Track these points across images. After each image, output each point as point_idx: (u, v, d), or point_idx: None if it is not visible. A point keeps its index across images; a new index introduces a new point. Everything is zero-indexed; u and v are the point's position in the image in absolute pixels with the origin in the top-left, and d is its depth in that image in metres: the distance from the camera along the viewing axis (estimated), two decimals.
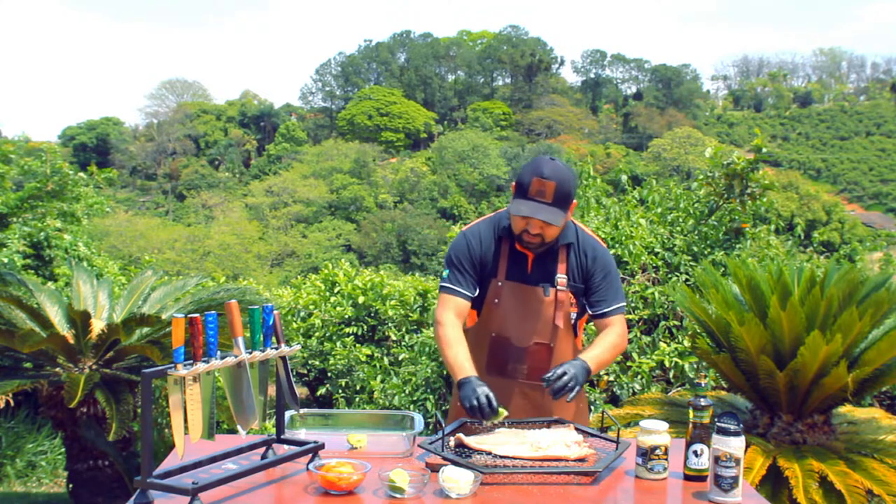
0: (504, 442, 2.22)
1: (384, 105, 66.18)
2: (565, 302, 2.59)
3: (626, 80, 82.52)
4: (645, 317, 5.79)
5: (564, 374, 2.34)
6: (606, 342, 2.55)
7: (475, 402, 2.25)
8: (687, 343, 5.04)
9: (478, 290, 2.62)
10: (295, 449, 2.12)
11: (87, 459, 5.00)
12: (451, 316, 2.55)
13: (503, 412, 2.29)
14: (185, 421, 1.86)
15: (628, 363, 5.46)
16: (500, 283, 2.59)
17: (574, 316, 2.64)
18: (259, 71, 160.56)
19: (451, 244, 2.66)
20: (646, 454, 2.09)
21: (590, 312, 2.66)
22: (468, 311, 2.61)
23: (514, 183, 2.53)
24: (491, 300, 2.60)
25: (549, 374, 2.35)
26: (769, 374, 3.29)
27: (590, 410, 5.20)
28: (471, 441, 2.22)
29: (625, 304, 2.68)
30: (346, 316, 7.19)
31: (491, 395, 2.27)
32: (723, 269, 5.60)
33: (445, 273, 2.61)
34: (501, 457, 2.14)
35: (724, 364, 3.46)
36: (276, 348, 2.11)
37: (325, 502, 1.92)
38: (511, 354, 2.59)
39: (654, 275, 6.06)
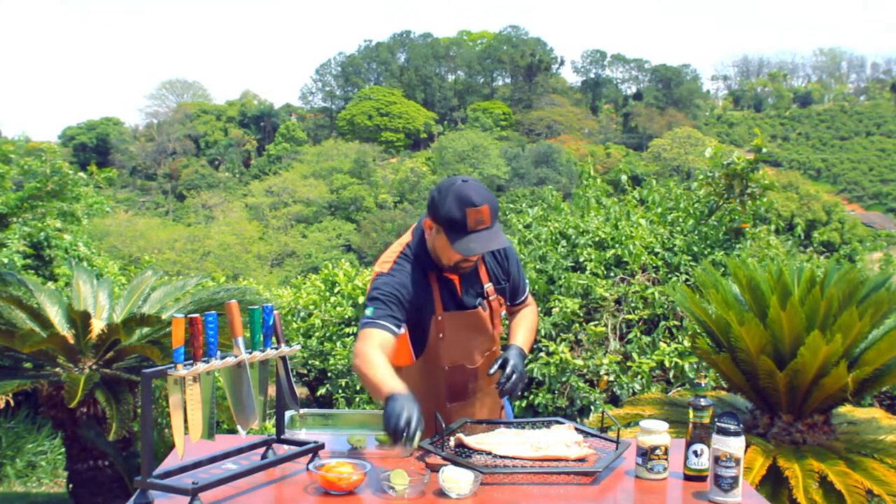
0: (504, 442, 2.22)
1: (384, 105, 66.20)
2: (497, 307, 2.62)
3: (626, 80, 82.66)
4: (645, 317, 5.79)
5: (513, 373, 2.42)
6: (530, 324, 2.70)
7: (400, 425, 1.95)
8: (687, 343, 5.05)
9: (405, 330, 2.43)
10: (295, 449, 2.12)
11: (87, 459, 5.00)
12: (372, 346, 2.28)
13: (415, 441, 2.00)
14: (185, 421, 1.86)
15: (628, 363, 5.46)
16: (440, 318, 2.48)
17: (504, 314, 2.72)
18: (259, 71, 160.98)
19: (374, 284, 2.44)
20: (646, 454, 2.09)
21: (508, 304, 2.71)
22: (393, 349, 2.36)
23: (427, 220, 2.40)
24: (435, 336, 2.49)
25: (500, 379, 2.41)
26: (769, 374, 3.29)
27: (590, 410, 5.22)
28: (471, 441, 2.22)
29: (527, 282, 2.81)
30: (346, 316, 7.18)
31: (415, 422, 1.97)
32: (723, 269, 5.60)
33: (370, 310, 2.36)
34: (501, 457, 2.14)
35: (724, 364, 3.46)
36: (276, 348, 2.10)
37: (325, 502, 1.92)
38: (468, 377, 2.57)
39: (654, 275, 6.06)
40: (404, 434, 1.95)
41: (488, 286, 2.56)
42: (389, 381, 2.13)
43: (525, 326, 2.67)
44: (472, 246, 2.29)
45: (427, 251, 2.47)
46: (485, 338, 2.59)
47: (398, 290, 2.40)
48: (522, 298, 2.73)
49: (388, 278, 2.43)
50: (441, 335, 2.50)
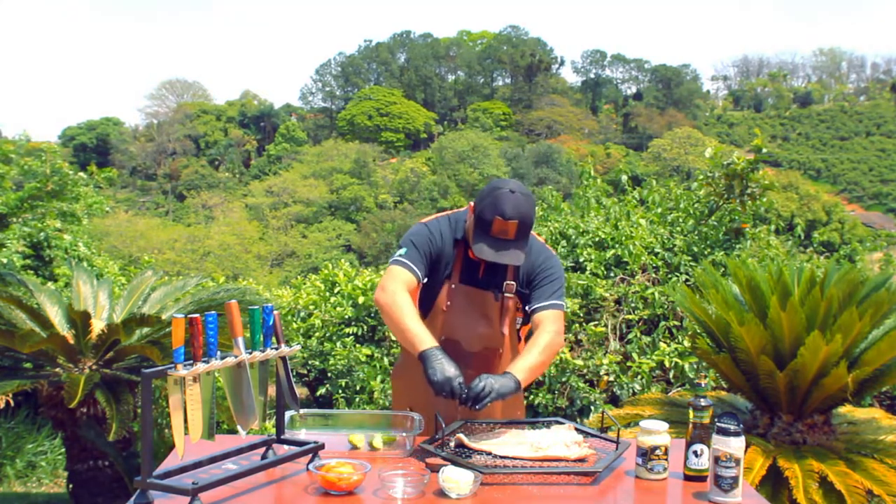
0: (504, 442, 2.22)
1: (384, 105, 66.22)
2: (512, 308, 2.60)
3: (626, 80, 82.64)
4: (645, 317, 5.79)
5: (484, 387, 2.23)
6: (536, 345, 2.44)
7: (448, 391, 2.20)
8: (687, 343, 5.05)
9: (426, 280, 2.57)
10: (295, 449, 2.12)
11: (87, 459, 5.00)
12: (402, 286, 2.45)
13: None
14: (185, 421, 1.86)
15: (628, 363, 5.46)
16: (453, 286, 2.57)
17: (519, 322, 2.66)
18: (259, 71, 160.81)
19: (410, 231, 2.61)
20: (646, 454, 2.09)
21: (527, 309, 2.60)
22: (415, 293, 2.54)
23: (471, 204, 2.52)
24: (442, 303, 2.58)
25: (470, 388, 2.23)
26: (769, 374, 3.29)
27: (590, 410, 5.22)
28: (471, 441, 2.22)
29: (563, 304, 2.59)
30: (346, 316, 7.18)
31: (462, 381, 2.22)
32: (723, 269, 5.60)
33: (403, 251, 2.53)
34: (501, 457, 2.14)
35: (724, 364, 3.46)
36: (276, 348, 2.10)
37: (325, 502, 1.92)
38: (460, 359, 2.41)
39: (654, 275, 6.06)
40: (451, 391, 2.20)
41: (509, 283, 2.59)
42: (423, 336, 2.33)
43: (531, 350, 2.43)
44: (484, 249, 2.41)
45: (465, 229, 2.60)
46: (488, 327, 2.59)
47: (431, 242, 2.55)
48: (536, 306, 2.54)
49: (425, 230, 2.59)
50: (448, 303, 2.56)
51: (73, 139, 62.81)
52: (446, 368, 2.23)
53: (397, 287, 2.44)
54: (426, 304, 2.62)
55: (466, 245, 2.58)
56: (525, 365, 2.38)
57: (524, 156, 55.35)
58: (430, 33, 79.92)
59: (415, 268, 2.50)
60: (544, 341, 2.45)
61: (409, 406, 2.62)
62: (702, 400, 2.08)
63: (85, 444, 4.93)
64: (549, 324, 2.50)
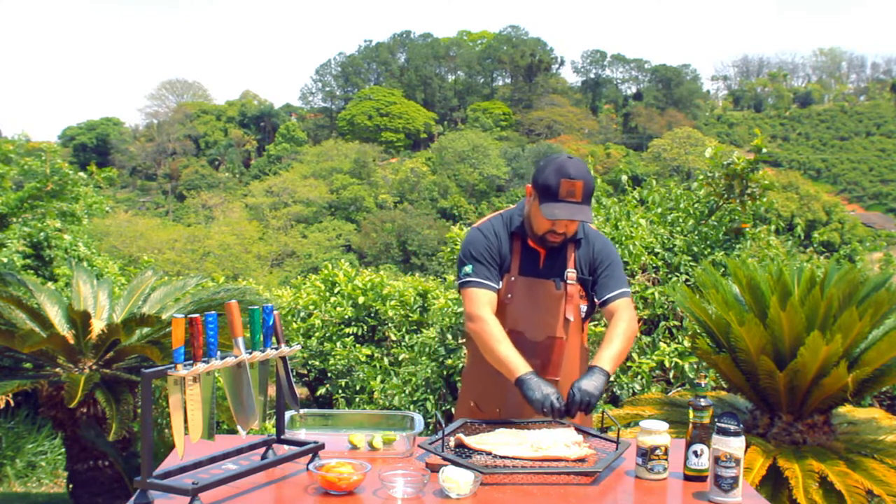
0: (504, 442, 2.22)
1: (384, 105, 66.23)
2: (575, 295, 2.64)
3: (626, 80, 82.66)
4: (645, 317, 5.78)
5: (580, 399, 2.31)
6: (617, 332, 2.56)
7: (548, 407, 2.27)
8: (687, 343, 5.04)
9: (502, 284, 2.63)
10: (295, 449, 2.12)
11: (87, 459, 5.00)
12: (489, 311, 2.53)
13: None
14: (185, 421, 1.86)
15: (628, 363, 5.46)
16: (513, 279, 2.62)
17: (584, 309, 2.69)
18: (259, 71, 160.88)
19: (466, 240, 2.65)
20: (646, 454, 2.09)
21: (596, 301, 2.70)
22: (495, 303, 2.58)
23: (529, 185, 2.57)
24: (504, 295, 2.61)
25: (572, 401, 2.31)
26: (769, 374, 3.29)
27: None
28: (471, 441, 2.22)
29: (629, 289, 2.71)
30: (346, 316, 7.19)
31: (560, 395, 2.30)
32: (723, 269, 5.60)
33: (469, 268, 2.58)
34: (501, 457, 2.14)
35: (724, 364, 3.46)
36: (276, 348, 2.10)
37: (325, 502, 1.92)
38: (524, 349, 2.53)
39: (654, 275, 6.06)
40: (559, 411, 2.27)
41: (570, 271, 2.63)
42: (518, 363, 2.39)
43: (613, 338, 2.54)
44: (557, 212, 2.45)
45: (522, 218, 2.64)
46: (552, 316, 2.62)
47: (490, 247, 2.60)
48: (608, 296, 2.64)
49: (479, 235, 2.63)
50: (510, 296, 2.60)
51: (73, 139, 62.83)
52: (543, 388, 2.31)
53: (483, 312, 2.51)
54: None
55: (524, 236, 2.62)
56: (609, 354, 2.48)
57: (524, 156, 55.37)
58: (430, 33, 79.98)
59: (488, 282, 2.57)
60: (622, 329, 2.56)
61: (473, 402, 2.74)
62: (702, 400, 2.08)
63: (85, 444, 4.93)
64: (624, 311, 2.62)
